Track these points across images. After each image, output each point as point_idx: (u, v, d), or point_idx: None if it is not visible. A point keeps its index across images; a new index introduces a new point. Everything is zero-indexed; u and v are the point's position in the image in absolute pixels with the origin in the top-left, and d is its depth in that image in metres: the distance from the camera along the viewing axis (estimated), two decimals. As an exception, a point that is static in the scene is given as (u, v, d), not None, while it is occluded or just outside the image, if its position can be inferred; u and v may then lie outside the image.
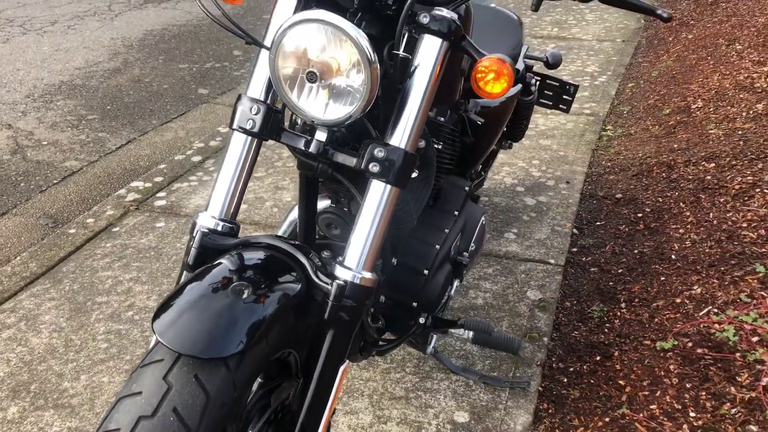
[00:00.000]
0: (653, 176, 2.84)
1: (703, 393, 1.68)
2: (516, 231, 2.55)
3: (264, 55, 1.21)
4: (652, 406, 1.69)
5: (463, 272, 1.75)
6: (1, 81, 4.49)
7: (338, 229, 1.45)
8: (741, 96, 3.36)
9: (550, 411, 1.76)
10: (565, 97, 2.46)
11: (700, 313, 1.94)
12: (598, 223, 2.61)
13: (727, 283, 2.04)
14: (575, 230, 2.57)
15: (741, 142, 2.87)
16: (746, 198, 2.45)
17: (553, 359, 1.94)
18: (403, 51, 1.15)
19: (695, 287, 2.07)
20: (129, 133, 3.79)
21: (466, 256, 1.71)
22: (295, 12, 1.19)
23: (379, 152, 1.12)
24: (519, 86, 2.11)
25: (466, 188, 1.77)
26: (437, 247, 1.60)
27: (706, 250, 2.23)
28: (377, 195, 1.13)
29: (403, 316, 1.61)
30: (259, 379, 1.22)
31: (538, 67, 2.32)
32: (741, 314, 1.87)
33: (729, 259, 2.15)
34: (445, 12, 1.13)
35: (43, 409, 1.82)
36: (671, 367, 1.79)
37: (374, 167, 1.12)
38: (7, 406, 1.84)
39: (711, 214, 2.42)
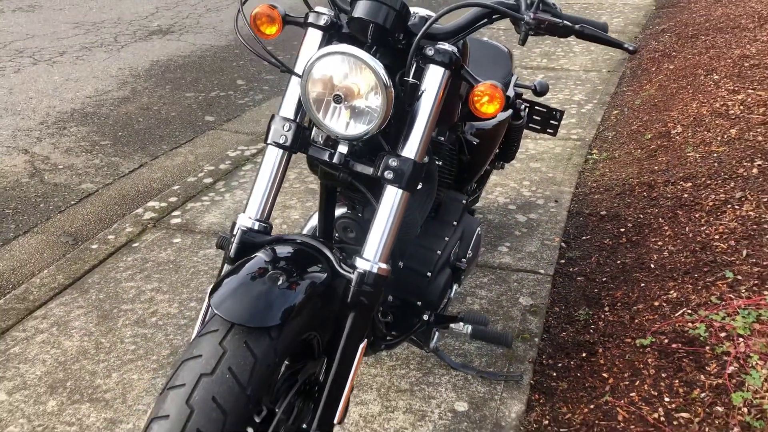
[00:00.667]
0: (635, 195, 3.07)
1: (677, 381, 1.88)
2: (509, 245, 2.76)
3: (294, 81, 1.42)
4: (632, 394, 1.89)
5: (461, 277, 1.95)
6: (15, 109, 4.70)
7: (353, 232, 1.66)
8: (717, 122, 3.61)
9: (540, 401, 1.95)
10: (552, 122, 2.69)
11: (676, 314, 2.15)
12: (584, 238, 2.82)
13: (699, 287, 2.25)
14: (563, 244, 2.78)
15: (716, 164, 3.10)
16: (719, 213, 2.67)
17: (544, 357, 2.13)
18: (412, 78, 1.37)
19: (671, 292, 2.28)
20: (141, 157, 4.00)
21: (464, 261, 1.91)
22: (320, 46, 1.41)
23: (392, 162, 1.33)
24: (510, 111, 2.33)
25: (464, 201, 1.98)
26: (438, 252, 1.80)
27: (682, 260, 2.45)
28: (391, 198, 1.34)
29: (409, 314, 1.81)
30: (285, 362, 1.41)
31: (528, 95, 2.54)
32: (711, 314, 2.08)
33: (702, 267, 2.36)
34: (446, 46, 1.35)
35: (79, 402, 2.00)
36: (649, 360, 1.99)
37: (389, 174, 1.32)
38: (46, 400, 2.01)
39: (687, 228, 2.64)
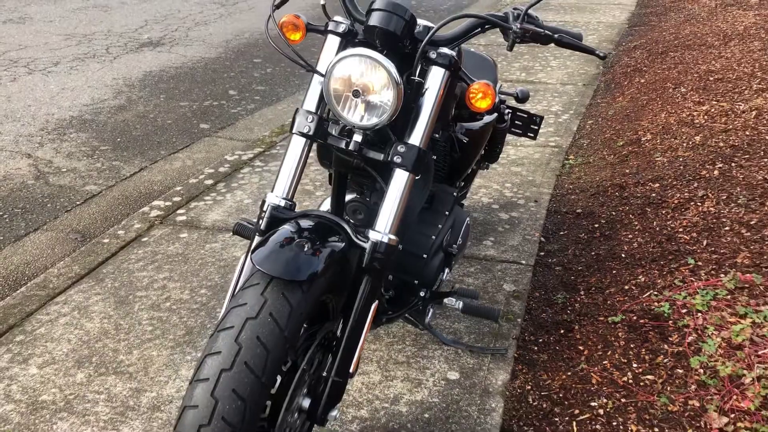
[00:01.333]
0: (608, 195, 3.33)
1: (643, 350, 2.13)
2: (493, 239, 3.00)
3: (316, 79, 1.64)
4: (604, 362, 2.13)
5: (452, 262, 2.18)
6: (15, 116, 4.86)
7: (362, 214, 1.88)
8: (683, 130, 3.90)
9: (524, 371, 2.18)
10: (532, 126, 2.94)
11: (644, 295, 2.40)
12: (561, 233, 3.08)
13: (665, 272, 2.51)
14: (542, 238, 3.03)
15: (681, 167, 3.38)
16: (683, 210, 2.94)
17: (526, 334, 2.37)
18: (417, 77, 1.60)
19: (640, 277, 2.53)
20: (141, 161, 4.19)
21: (455, 247, 2.14)
22: (338, 50, 1.64)
23: (401, 148, 1.56)
24: (495, 115, 2.58)
25: (455, 194, 2.22)
26: (433, 237, 2.04)
27: (650, 250, 2.71)
28: (399, 179, 1.57)
29: (407, 293, 2.04)
30: (304, 324, 1.63)
31: (510, 101, 2.79)
32: (674, 294, 2.33)
33: (667, 255, 2.62)
34: (447, 50, 1.60)
35: (105, 375, 2.19)
36: (619, 334, 2.24)
37: (397, 159, 1.55)
38: (74, 373, 2.20)
39: (654, 223, 2.91)
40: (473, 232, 3.05)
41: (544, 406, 2.02)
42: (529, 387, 2.10)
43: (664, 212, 2.98)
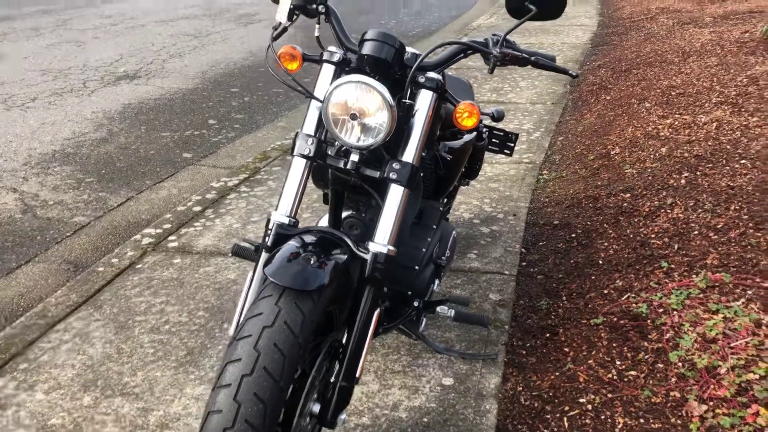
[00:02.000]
0: (582, 206, 3.49)
1: (625, 349, 2.27)
2: (476, 252, 3.13)
3: (314, 104, 1.77)
4: (589, 361, 2.26)
5: (441, 273, 2.31)
6: (-3, 152, 4.91)
7: (358, 230, 2.00)
8: (650, 143, 4.10)
9: (514, 373, 2.30)
10: (508, 143, 3.09)
11: (622, 298, 2.55)
12: (540, 244, 3.22)
13: (641, 276, 2.66)
14: (523, 250, 3.17)
15: (650, 177, 3.56)
16: (654, 217, 3.10)
17: (514, 339, 2.49)
18: (408, 100, 1.74)
19: (618, 281, 2.68)
20: (127, 192, 4.26)
21: (444, 259, 2.27)
22: (332, 78, 1.77)
23: (395, 165, 1.68)
24: (474, 133, 2.73)
25: (441, 209, 2.35)
26: (423, 249, 2.16)
27: (625, 255, 2.86)
28: (396, 194, 1.69)
29: (402, 303, 2.16)
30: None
31: (487, 121, 2.94)
32: (651, 295, 2.48)
33: (642, 260, 2.77)
34: (434, 75, 1.73)
35: (112, 396, 2.26)
36: (602, 334, 2.37)
37: (393, 175, 1.68)
38: (81, 397, 2.27)
39: (628, 230, 3.07)
40: (457, 246, 3.18)
41: (536, 405, 2.14)
42: (521, 388, 2.22)
43: (636, 220, 3.14)
